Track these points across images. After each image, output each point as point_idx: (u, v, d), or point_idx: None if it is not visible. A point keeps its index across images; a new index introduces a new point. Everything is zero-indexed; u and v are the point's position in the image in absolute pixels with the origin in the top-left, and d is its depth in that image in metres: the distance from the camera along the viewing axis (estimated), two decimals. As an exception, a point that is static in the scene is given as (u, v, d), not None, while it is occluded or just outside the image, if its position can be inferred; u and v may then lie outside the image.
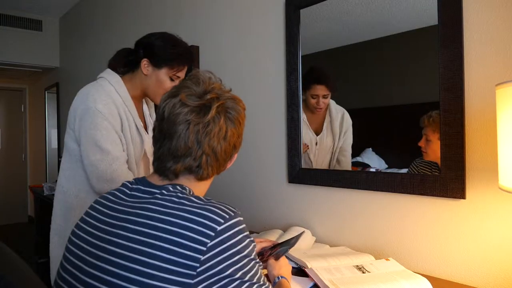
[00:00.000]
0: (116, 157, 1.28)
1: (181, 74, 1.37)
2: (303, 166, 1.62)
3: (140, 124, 1.40)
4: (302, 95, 1.62)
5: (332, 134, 1.52)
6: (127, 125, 1.34)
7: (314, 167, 1.58)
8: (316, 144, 1.57)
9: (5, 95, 5.99)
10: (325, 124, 1.54)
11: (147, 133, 1.45)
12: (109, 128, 1.28)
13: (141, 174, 1.45)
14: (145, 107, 1.51)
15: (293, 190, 1.68)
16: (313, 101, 1.57)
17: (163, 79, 1.35)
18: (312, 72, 1.59)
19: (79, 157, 1.33)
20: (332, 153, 1.52)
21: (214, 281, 0.65)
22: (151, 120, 1.51)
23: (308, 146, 1.60)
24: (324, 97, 1.54)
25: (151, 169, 1.43)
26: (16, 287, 0.59)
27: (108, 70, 1.39)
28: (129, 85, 1.39)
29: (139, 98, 1.45)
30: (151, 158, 1.42)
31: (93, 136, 1.27)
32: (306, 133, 1.61)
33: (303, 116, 1.62)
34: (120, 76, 1.39)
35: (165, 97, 0.82)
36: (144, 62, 1.35)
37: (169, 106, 0.79)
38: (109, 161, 1.27)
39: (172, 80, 1.36)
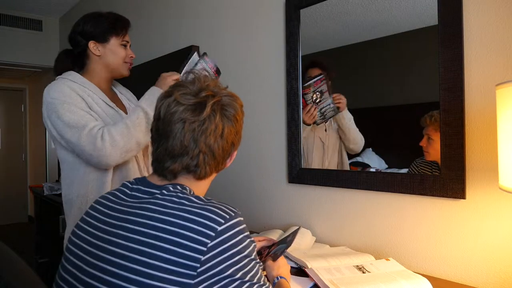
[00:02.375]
0: (93, 125, 1.24)
1: (128, 38, 1.42)
2: (314, 149, 1.61)
3: (108, 101, 1.38)
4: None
5: (337, 123, 1.54)
6: (91, 101, 1.31)
7: (329, 150, 1.58)
8: (326, 130, 1.59)
9: (5, 95, 5.99)
10: None
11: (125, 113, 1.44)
12: (71, 107, 1.25)
13: (135, 158, 1.42)
14: (120, 95, 1.52)
15: (293, 190, 1.68)
16: None
17: (116, 50, 1.39)
18: (307, 60, 1.62)
19: (68, 162, 1.33)
20: (341, 140, 1.54)
21: (215, 281, 0.65)
22: (129, 103, 1.51)
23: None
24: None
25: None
26: (16, 287, 0.59)
27: (65, 72, 1.39)
28: (89, 76, 1.39)
29: (104, 85, 1.43)
30: None
31: (61, 122, 1.25)
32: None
33: None
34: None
35: (160, 97, 0.81)
36: (92, 45, 1.36)
37: (165, 106, 0.79)
38: (87, 132, 1.22)
39: (124, 46, 1.40)
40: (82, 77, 1.36)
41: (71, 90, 1.28)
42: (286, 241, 1.12)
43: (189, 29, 2.32)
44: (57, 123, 1.26)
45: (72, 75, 1.35)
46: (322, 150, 1.60)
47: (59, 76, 1.37)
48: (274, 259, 1.05)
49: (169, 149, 0.78)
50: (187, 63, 1.36)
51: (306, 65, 1.62)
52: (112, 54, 1.39)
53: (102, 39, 1.37)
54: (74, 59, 1.42)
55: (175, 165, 0.78)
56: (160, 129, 0.79)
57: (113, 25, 1.38)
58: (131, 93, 1.60)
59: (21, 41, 4.39)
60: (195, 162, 0.78)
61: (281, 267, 1.03)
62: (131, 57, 1.43)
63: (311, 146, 1.63)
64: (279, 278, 0.97)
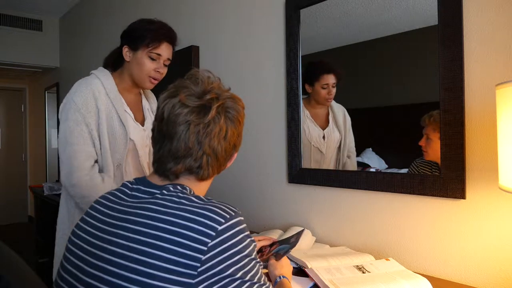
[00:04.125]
0: (79, 150, 1.26)
1: (161, 51, 1.34)
2: (311, 162, 1.61)
3: (127, 116, 1.37)
4: (309, 88, 1.61)
5: (338, 129, 1.52)
6: (104, 117, 1.30)
7: (326, 159, 1.56)
8: (324, 137, 1.57)
9: (5, 95, 5.99)
10: (330, 119, 1.55)
11: (142, 126, 1.44)
12: (79, 120, 1.27)
13: (129, 168, 1.41)
14: (145, 101, 1.51)
15: (293, 190, 1.68)
16: (324, 91, 1.56)
17: (142, 60, 1.33)
18: (320, 63, 1.60)
19: None
20: (340, 149, 1.52)
21: (215, 281, 0.65)
22: (150, 114, 1.49)
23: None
24: (333, 86, 1.55)
25: (143, 162, 1.41)
26: (16, 287, 0.59)
27: (100, 67, 1.41)
28: (118, 79, 1.39)
29: (132, 90, 1.44)
30: (141, 151, 1.41)
31: (63, 128, 1.29)
32: (313, 129, 1.60)
33: (307, 113, 1.62)
34: (112, 73, 1.40)
35: (164, 97, 0.81)
36: (125, 49, 1.36)
37: (169, 107, 0.78)
38: (70, 154, 1.25)
39: (152, 59, 1.34)
40: (111, 79, 1.37)
41: (94, 98, 1.30)
42: (290, 242, 1.12)
43: (188, 29, 2.32)
44: (60, 125, 1.31)
45: (104, 75, 1.36)
46: (319, 160, 1.59)
47: (93, 72, 1.38)
48: (278, 258, 1.05)
49: (173, 151, 0.77)
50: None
51: (319, 70, 1.59)
52: (136, 64, 1.34)
53: (133, 46, 1.34)
54: (116, 56, 1.42)
55: (178, 166, 0.78)
56: (164, 130, 0.78)
57: (147, 34, 1.32)
58: (155, 104, 1.56)
59: (21, 41, 4.39)
60: (198, 164, 0.78)
61: (284, 266, 1.03)
62: (158, 72, 1.36)
63: (308, 156, 1.62)
64: (281, 277, 0.97)
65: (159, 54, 1.34)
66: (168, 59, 1.38)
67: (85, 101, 1.28)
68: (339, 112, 1.51)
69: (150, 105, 1.52)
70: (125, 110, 1.38)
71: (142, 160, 1.43)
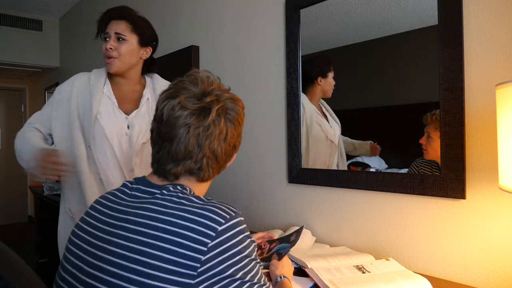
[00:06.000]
0: (30, 122, 1.48)
1: (108, 30, 1.38)
2: (333, 157, 1.58)
3: (101, 100, 1.39)
4: (321, 80, 1.59)
5: (333, 119, 1.54)
6: (78, 99, 1.39)
7: (337, 150, 1.54)
8: (331, 127, 1.57)
9: (5, 95, 5.99)
10: (325, 111, 1.56)
11: (128, 115, 1.41)
12: (52, 101, 1.43)
13: (103, 157, 1.38)
14: (146, 92, 1.46)
15: (293, 190, 1.68)
16: (333, 83, 1.56)
17: (103, 46, 1.41)
18: (327, 60, 1.58)
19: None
20: (339, 145, 1.52)
21: (215, 281, 0.65)
22: (147, 103, 1.45)
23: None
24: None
25: (115, 150, 1.39)
26: (16, 287, 0.59)
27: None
28: (109, 76, 1.47)
29: (122, 82, 1.45)
30: (114, 140, 1.38)
31: None
32: (325, 124, 1.57)
33: (314, 108, 1.60)
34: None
35: (163, 97, 0.80)
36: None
37: (168, 108, 0.77)
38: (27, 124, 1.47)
39: (105, 40, 1.40)
40: (103, 72, 1.45)
41: (73, 83, 1.42)
42: (290, 241, 1.12)
43: (188, 29, 2.32)
44: None
45: (97, 70, 1.46)
46: (333, 153, 1.57)
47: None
48: (279, 259, 1.05)
49: (173, 153, 0.77)
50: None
51: (328, 68, 1.55)
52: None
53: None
54: None
55: (178, 168, 0.78)
56: (163, 132, 0.78)
57: (98, 24, 1.41)
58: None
59: (21, 41, 4.39)
60: (198, 166, 0.78)
61: (285, 266, 1.03)
62: (106, 50, 1.35)
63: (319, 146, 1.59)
64: (281, 277, 0.97)
65: (107, 33, 1.39)
66: (117, 33, 1.36)
67: (62, 86, 1.43)
68: (326, 104, 1.57)
69: (150, 96, 1.46)
70: (104, 93, 1.41)
71: (115, 147, 1.37)
